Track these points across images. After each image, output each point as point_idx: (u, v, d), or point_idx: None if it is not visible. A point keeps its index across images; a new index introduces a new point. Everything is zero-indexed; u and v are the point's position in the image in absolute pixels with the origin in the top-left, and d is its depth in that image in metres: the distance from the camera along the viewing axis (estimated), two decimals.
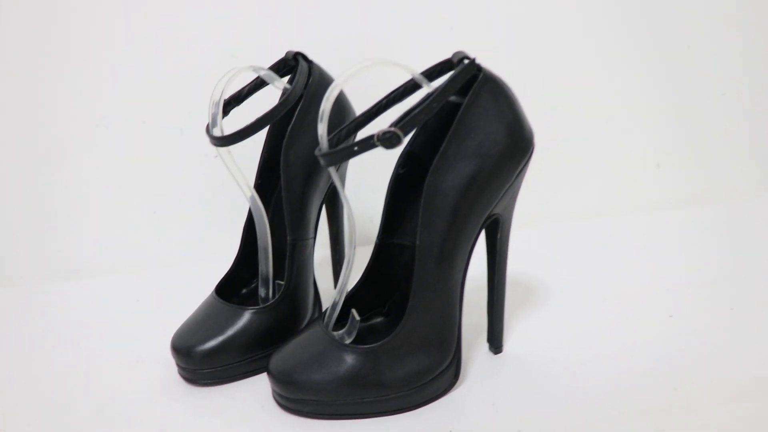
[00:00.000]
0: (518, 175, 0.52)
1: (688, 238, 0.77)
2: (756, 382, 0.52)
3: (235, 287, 0.64)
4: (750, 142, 0.82)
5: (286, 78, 0.63)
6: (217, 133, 0.57)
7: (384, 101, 0.52)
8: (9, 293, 0.76)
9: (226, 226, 0.80)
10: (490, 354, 0.58)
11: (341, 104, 0.63)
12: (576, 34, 0.78)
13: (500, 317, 0.57)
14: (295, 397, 0.52)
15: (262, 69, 0.60)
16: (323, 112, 0.47)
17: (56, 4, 0.72)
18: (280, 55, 0.63)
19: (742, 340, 0.58)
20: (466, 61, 0.49)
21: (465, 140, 0.49)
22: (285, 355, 0.53)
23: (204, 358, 0.57)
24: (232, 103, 0.61)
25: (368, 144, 0.46)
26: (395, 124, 0.47)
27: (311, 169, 0.61)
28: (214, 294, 0.61)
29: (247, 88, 0.61)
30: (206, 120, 0.61)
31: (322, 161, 0.48)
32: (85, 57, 0.74)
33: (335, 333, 0.54)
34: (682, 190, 0.82)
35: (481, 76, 0.49)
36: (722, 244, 0.75)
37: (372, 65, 0.48)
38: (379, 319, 0.59)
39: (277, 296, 0.59)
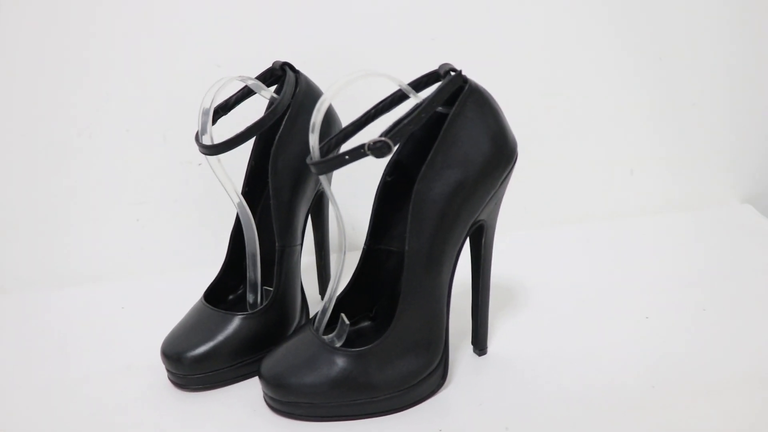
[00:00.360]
0: (502, 182, 0.54)
1: (663, 243, 0.79)
2: (729, 379, 0.55)
3: (222, 294, 0.65)
4: (722, 150, 0.85)
5: (273, 87, 0.64)
6: (207, 141, 0.58)
7: (372, 111, 0.53)
8: None
9: (209, 233, 0.80)
10: (475, 356, 0.60)
11: (328, 114, 0.64)
12: (554, 44, 0.81)
13: (485, 320, 0.59)
14: (287, 400, 0.53)
15: (250, 79, 0.61)
16: (315, 123, 0.48)
17: (40, 9, 0.72)
18: (265, 64, 0.64)
19: (714, 339, 0.60)
20: (452, 73, 0.51)
21: (451, 149, 0.51)
22: (276, 359, 0.54)
23: (194, 364, 0.58)
24: (219, 112, 0.62)
25: (359, 153, 0.48)
26: (385, 133, 0.48)
27: (299, 177, 0.62)
28: (203, 300, 0.62)
29: (234, 97, 0.62)
30: (191, 128, 0.62)
31: (313, 169, 0.49)
32: (66, 64, 0.74)
33: (325, 337, 0.55)
34: (656, 197, 0.85)
35: (467, 87, 0.51)
36: (695, 248, 0.78)
37: (362, 76, 0.49)
38: (366, 323, 0.60)
39: (265, 302, 0.60)
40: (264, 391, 0.54)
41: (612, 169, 0.84)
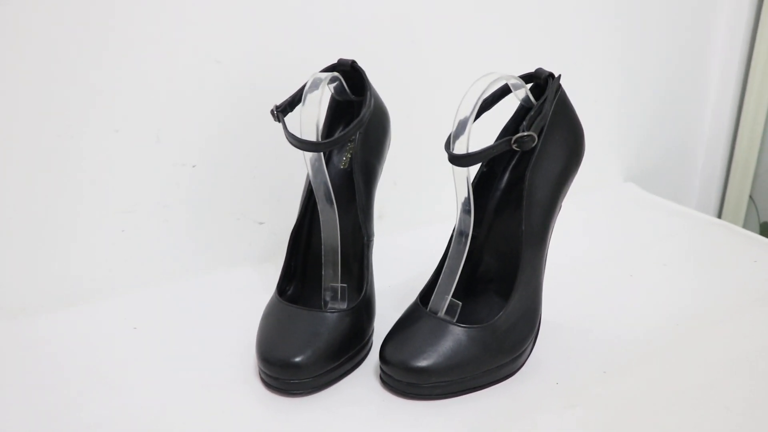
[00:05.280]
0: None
1: (582, 217, 0.95)
2: (717, 309, 0.71)
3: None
4: (614, 140, 1.06)
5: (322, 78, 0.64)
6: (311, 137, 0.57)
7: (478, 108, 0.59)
8: None
9: (205, 237, 0.75)
10: None
11: (383, 112, 0.67)
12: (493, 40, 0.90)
13: None
14: (427, 384, 0.56)
15: (336, 76, 0.62)
16: (467, 122, 0.53)
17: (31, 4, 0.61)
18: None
19: (681, 286, 0.77)
20: (551, 78, 0.60)
21: (552, 144, 0.59)
22: (405, 347, 0.56)
23: (304, 368, 0.56)
24: (287, 108, 0.61)
25: (505, 146, 0.54)
26: (527, 128, 0.55)
27: (372, 170, 0.64)
28: (281, 300, 0.60)
29: (300, 92, 0.61)
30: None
31: (459, 162, 0.53)
32: (48, 53, 0.63)
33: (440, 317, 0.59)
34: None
35: (560, 90, 0.60)
36: (605, 222, 0.95)
37: (497, 80, 0.55)
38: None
39: (360, 297, 0.61)
40: (397, 379, 0.56)
41: None
